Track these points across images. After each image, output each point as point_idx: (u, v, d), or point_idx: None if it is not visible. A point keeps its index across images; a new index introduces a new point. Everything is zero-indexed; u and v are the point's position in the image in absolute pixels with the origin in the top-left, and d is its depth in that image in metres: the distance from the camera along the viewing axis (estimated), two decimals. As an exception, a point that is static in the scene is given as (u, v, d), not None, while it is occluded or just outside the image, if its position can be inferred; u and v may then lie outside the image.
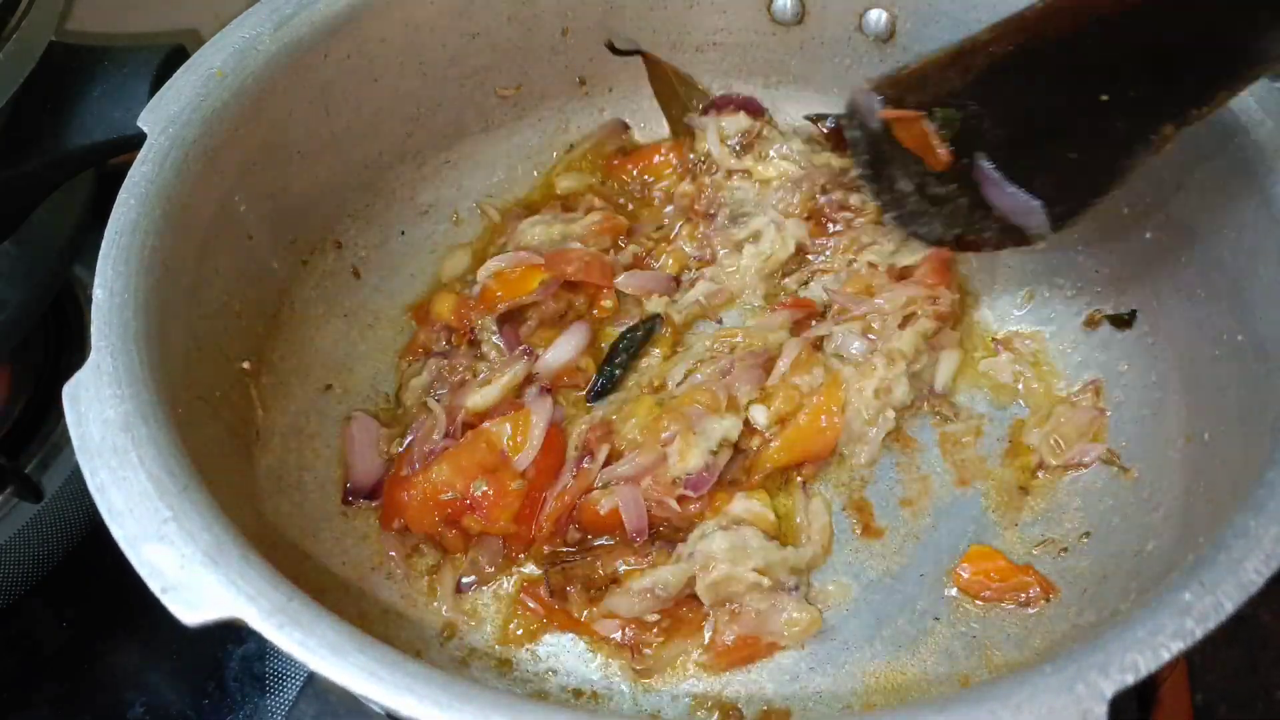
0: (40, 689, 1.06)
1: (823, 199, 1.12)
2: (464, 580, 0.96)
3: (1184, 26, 0.76)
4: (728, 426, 0.96)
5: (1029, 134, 0.88)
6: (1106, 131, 0.82)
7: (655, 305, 1.10)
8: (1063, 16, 0.82)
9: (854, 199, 1.11)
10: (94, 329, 0.73)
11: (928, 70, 0.91)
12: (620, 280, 1.09)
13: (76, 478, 1.09)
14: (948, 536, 0.97)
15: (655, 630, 0.92)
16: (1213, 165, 0.90)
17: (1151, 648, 0.60)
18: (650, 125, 1.23)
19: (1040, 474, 1.00)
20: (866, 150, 0.97)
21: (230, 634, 0.58)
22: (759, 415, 0.98)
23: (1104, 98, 0.80)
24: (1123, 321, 1.02)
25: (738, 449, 0.97)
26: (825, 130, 1.14)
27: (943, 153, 0.90)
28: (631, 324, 1.09)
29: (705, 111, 1.19)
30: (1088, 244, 1.06)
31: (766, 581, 0.91)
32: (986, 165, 0.89)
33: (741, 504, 0.96)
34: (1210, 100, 0.77)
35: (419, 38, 1.05)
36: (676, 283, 1.13)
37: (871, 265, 1.08)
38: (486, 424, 0.96)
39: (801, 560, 0.95)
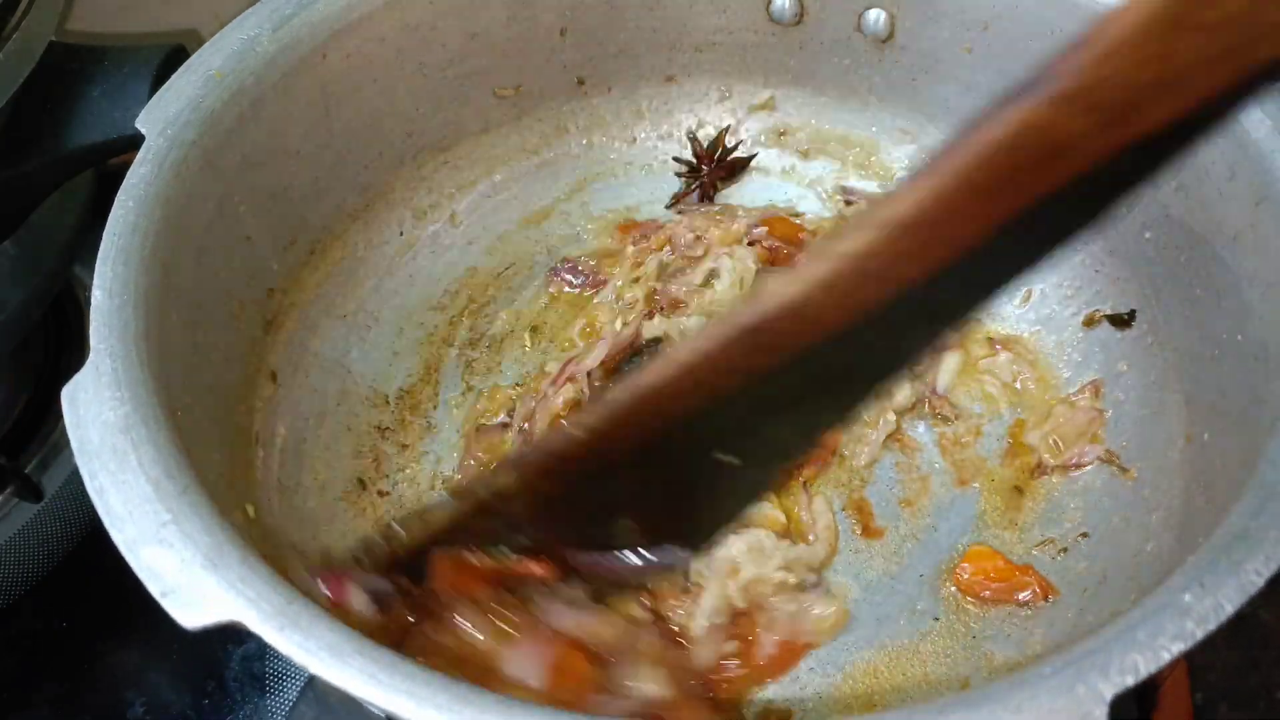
0: (40, 689, 1.06)
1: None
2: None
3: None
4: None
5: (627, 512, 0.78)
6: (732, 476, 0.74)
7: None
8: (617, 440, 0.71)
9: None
10: (92, 331, 0.73)
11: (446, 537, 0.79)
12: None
13: (76, 478, 1.08)
14: (947, 536, 0.97)
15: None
16: (1212, 166, 0.90)
17: (1152, 649, 0.60)
18: (650, 125, 1.23)
19: (1039, 474, 1.00)
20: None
21: (230, 634, 0.58)
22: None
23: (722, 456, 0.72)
24: (1122, 321, 1.02)
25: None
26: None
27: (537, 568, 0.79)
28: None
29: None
30: (1086, 244, 1.06)
31: (792, 578, 0.90)
32: (584, 558, 0.80)
33: (750, 506, 0.96)
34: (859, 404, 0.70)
35: (418, 38, 1.05)
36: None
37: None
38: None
39: (816, 558, 0.94)
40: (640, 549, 0.79)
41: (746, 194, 1.22)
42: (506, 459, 0.81)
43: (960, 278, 0.57)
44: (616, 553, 0.79)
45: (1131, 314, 1.02)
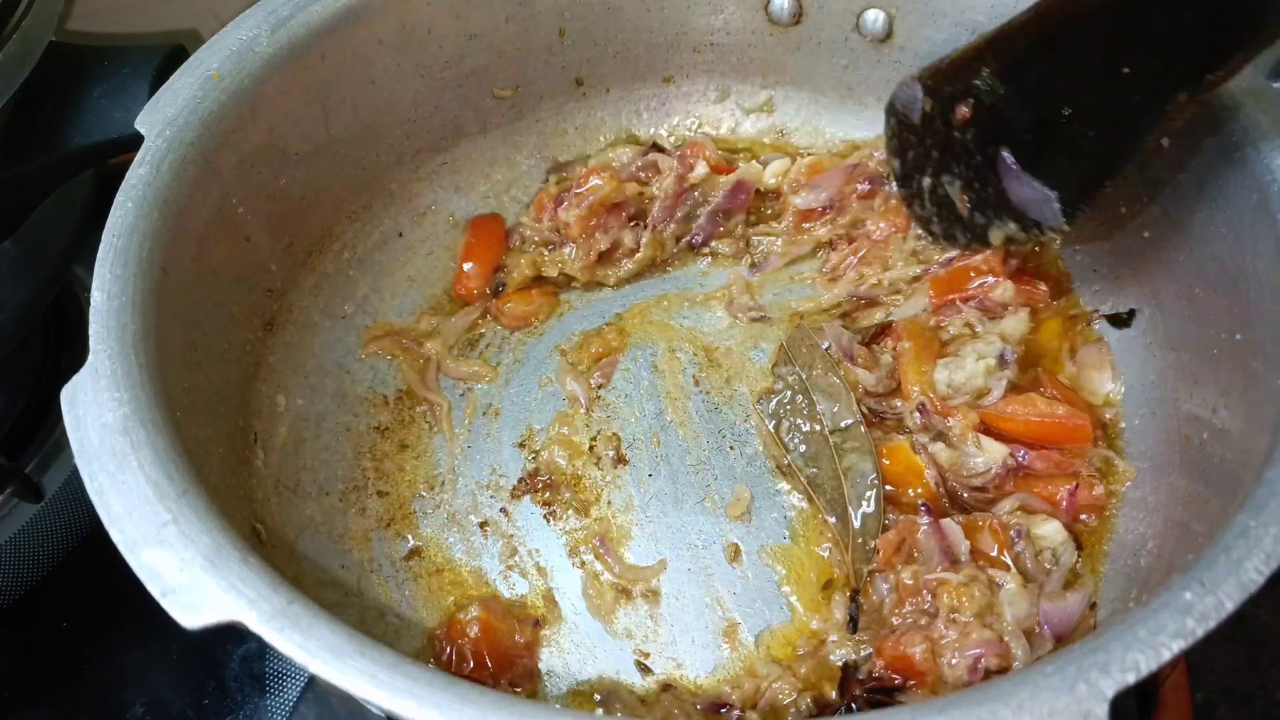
0: (40, 689, 1.06)
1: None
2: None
3: None
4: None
5: (1049, 119, 0.90)
6: (1124, 106, 0.85)
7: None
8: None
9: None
10: (92, 332, 0.73)
11: (966, 57, 0.95)
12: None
13: (76, 478, 1.09)
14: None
15: None
16: (1210, 164, 0.90)
17: (1153, 647, 0.60)
18: (648, 125, 1.24)
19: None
20: (899, 147, 1.04)
21: (230, 634, 0.58)
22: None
23: (1125, 70, 0.83)
24: (1121, 320, 1.02)
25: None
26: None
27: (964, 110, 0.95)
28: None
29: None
30: (1085, 243, 1.06)
31: None
32: (1008, 158, 0.93)
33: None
34: (1225, 66, 0.78)
35: (416, 39, 1.05)
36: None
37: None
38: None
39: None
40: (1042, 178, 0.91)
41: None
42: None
43: None
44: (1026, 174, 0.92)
45: (1130, 314, 1.02)
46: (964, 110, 0.95)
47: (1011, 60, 0.92)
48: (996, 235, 0.97)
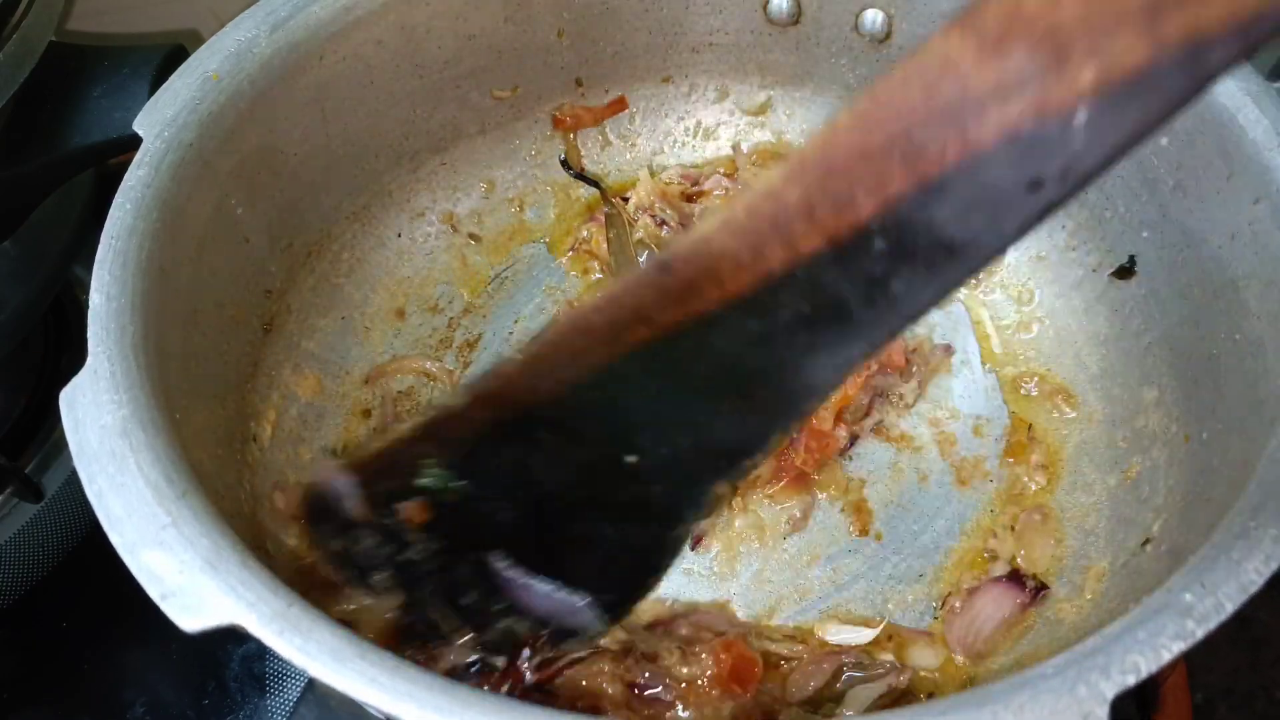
0: (40, 689, 1.06)
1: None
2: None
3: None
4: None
5: (553, 514, 0.71)
6: (644, 495, 0.68)
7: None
8: (542, 381, 0.65)
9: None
10: (91, 334, 0.73)
11: (396, 451, 0.74)
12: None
13: (76, 478, 1.07)
14: (946, 537, 0.98)
15: None
16: (1209, 164, 0.90)
17: (1153, 648, 0.60)
18: (646, 128, 1.24)
19: (1038, 474, 1.00)
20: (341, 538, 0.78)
21: (231, 635, 0.58)
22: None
23: (628, 460, 0.66)
24: (1125, 271, 1.02)
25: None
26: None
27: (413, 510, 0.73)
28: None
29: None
30: (1084, 242, 1.06)
31: None
32: (501, 564, 0.72)
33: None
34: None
35: (415, 40, 1.05)
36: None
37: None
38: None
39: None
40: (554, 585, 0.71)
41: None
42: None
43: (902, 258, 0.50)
44: (531, 576, 0.72)
45: (1131, 261, 1.02)
46: (413, 509, 0.73)
47: (466, 452, 0.71)
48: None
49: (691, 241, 0.55)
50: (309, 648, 0.60)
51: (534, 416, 0.67)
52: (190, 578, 0.63)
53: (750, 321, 0.55)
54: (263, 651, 1.06)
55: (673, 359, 0.59)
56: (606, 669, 0.82)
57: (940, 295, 0.50)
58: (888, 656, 0.90)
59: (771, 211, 0.51)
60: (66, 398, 0.70)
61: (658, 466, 0.65)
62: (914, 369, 1.05)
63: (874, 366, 1.02)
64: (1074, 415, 1.02)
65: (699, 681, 0.83)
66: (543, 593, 0.71)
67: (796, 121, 1.22)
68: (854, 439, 1.02)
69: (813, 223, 0.49)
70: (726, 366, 0.58)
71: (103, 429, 0.69)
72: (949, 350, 1.08)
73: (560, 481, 0.70)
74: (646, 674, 0.83)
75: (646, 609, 0.91)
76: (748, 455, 0.64)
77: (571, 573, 0.71)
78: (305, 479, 0.85)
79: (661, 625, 0.89)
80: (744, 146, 1.22)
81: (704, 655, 0.84)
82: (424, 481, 0.72)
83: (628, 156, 1.24)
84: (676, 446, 0.64)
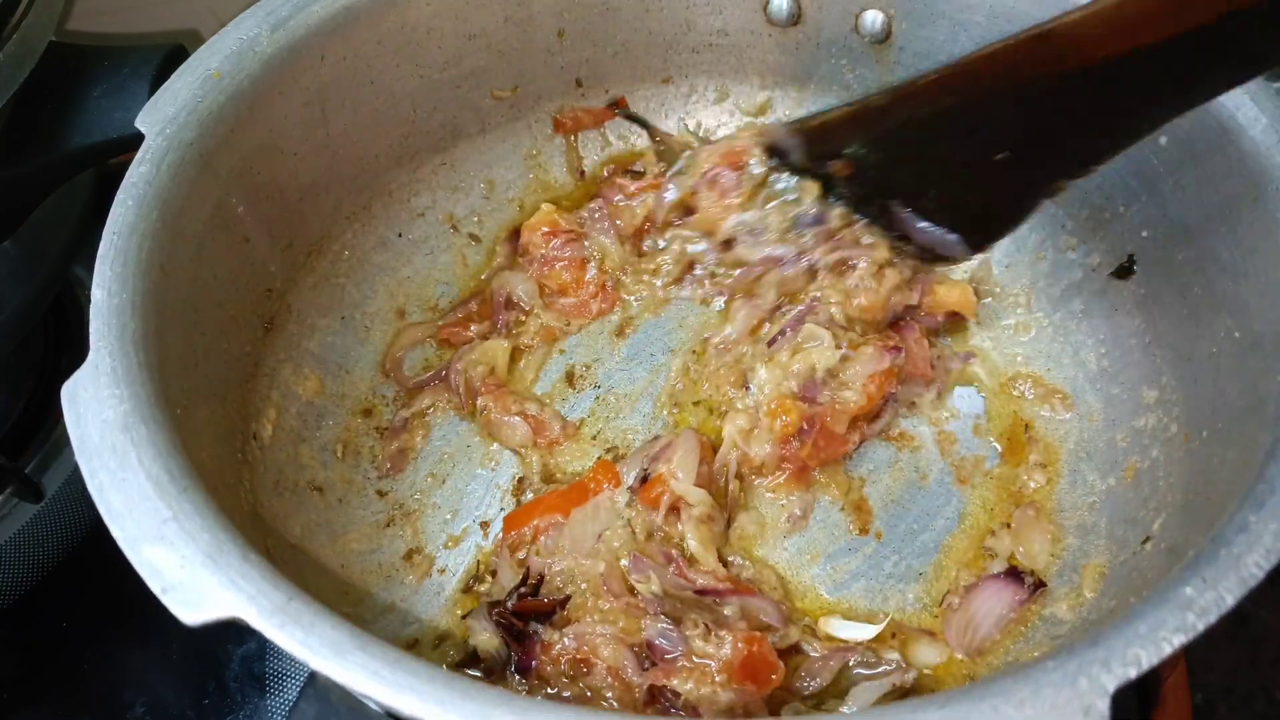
0: (40, 689, 1.06)
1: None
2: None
3: (1067, 107, 0.82)
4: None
5: (935, 180, 0.95)
6: (1006, 182, 0.90)
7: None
8: (951, 90, 0.89)
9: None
10: (92, 329, 0.73)
11: (830, 125, 0.99)
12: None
13: (76, 478, 1.09)
14: (945, 536, 0.98)
15: None
16: (1209, 163, 0.90)
17: (1153, 641, 0.60)
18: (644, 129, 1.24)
19: (1037, 473, 1.00)
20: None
21: (230, 633, 0.58)
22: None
23: (998, 157, 0.88)
24: (1124, 270, 1.02)
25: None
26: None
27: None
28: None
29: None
30: (1084, 241, 1.06)
31: None
32: (898, 209, 0.97)
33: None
34: (1097, 164, 0.85)
35: (415, 40, 1.05)
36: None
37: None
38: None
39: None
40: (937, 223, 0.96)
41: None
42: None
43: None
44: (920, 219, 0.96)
45: (1130, 259, 1.02)
46: (840, 166, 0.98)
47: (878, 136, 0.95)
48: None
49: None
50: (310, 641, 0.60)
51: (936, 116, 0.90)
52: (191, 572, 0.63)
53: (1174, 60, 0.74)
54: (263, 651, 1.06)
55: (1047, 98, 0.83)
56: (610, 632, 0.86)
57: None
58: (893, 654, 0.90)
59: None
60: (68, 392, 0.70)
61: (1019, 163, 0.87)
62: (937, 378, 1.05)
63: (897, 378, 1.02)
64: (1072, 415, 1.03)
65: (710, 663, 0.84)
66: (927, 228, 0.97)
67: (796, 121, 1.22)
68: (861, 442, 1.02)
69: None
70: (1129, 96, 0.80)
71: (104, 423, 0.69)
72: (969, 357, 1.08)
73: (950, 161, 0.92)
74: (664, 634, 0.86)
75: (712, 568, 0.92)
76: (1084, 170, 0.86)
77: (950, 219, 0.95)
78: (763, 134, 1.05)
79: (713, 594, 0.89)
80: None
81: (726, 640, 0.85)
82: (850, 150, 0.97)
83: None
84: (1032, 155, 0.87)
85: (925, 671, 0.89)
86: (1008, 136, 0.87)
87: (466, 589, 0.96)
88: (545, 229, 1.11)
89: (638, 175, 1.15)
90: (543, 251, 1.11)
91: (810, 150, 1.00)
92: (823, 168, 1.00)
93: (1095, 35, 0.76)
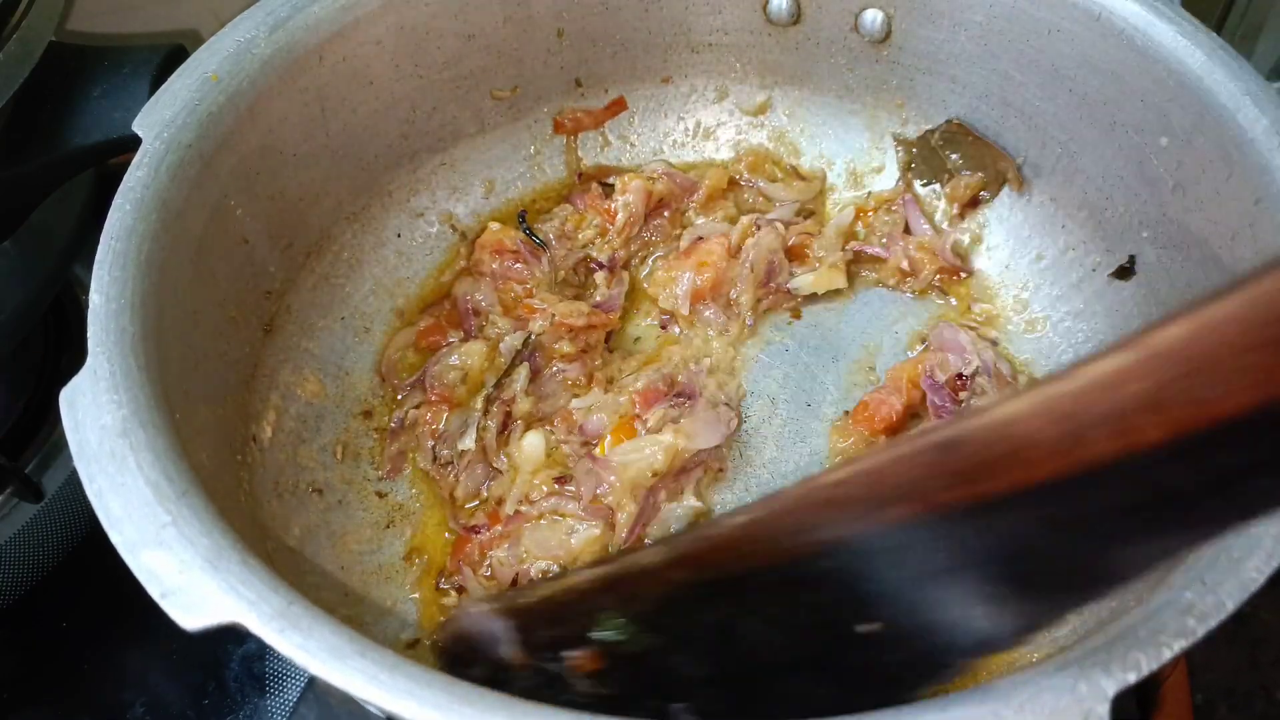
0: (40, 689, 1.06)
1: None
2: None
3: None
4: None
5: (754, 668, 0.67)
6: (879, 664, 0.64)
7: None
8: (730, 555, 0.64)
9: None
10: (90, 334, 0.73)
11: (568, 600, 0.72)
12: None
13: (76, 478, 1.07)
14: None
15: None
16: (1209, 164, 0.90)
17: (1154, 646, 0.60)
18: (646, 128, 1.24)
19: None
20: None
21: (231, 634, 0.58)
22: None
23: (863, 628, 0.61)
24: (1125, 271, 1.02)
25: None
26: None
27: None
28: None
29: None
30: (1084, 242, 1.06)
31: None
32: (684, 715, 0.67)
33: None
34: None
35: (414, 40, 1.05)
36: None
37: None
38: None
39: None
40: None
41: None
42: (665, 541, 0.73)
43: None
44: None
45: (1132, 260, 1.02)
46: (586, 660, 0.69)
47: (655, 608, 0.68)
48: None
49: (987, 423, 0.52)
50: (309, 646, 0.60)
51: (746, 580, 0.64)
52: (190, 577, 0.63)
53: (1052, 507, 0.51)
54: (263, 651, 1.06)
55: (939, 536, 0.55)
56: None
57: None
58: None
59: (1105, 401, 0.47)
60: (66, 397, 0.70)
61: (897, 639, 0.61)
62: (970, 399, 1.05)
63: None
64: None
65: None
66: None
67: (796, 121, 1.22)
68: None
69: (1160, 415, 0.45)
70: (1008, 548, 0.54)
71: (103, 429, 0.69)
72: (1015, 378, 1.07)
73: (770, 643, 0.65)
74: None
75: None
76: (1010, 637, 0.60)
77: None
78: (445, 623, 0.87)
79: None
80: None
81: None
82: (603, 634, 0.68)
83: (627, 158, 1.24)
84: (925, 622, 0.59)
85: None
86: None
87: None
88: (493, 248, 1.11)
89: (609, 190, 1.16)
90: (494, 267, 1.11)
91: (530, 637, 0.72)
92: (550, 661, 0.70)
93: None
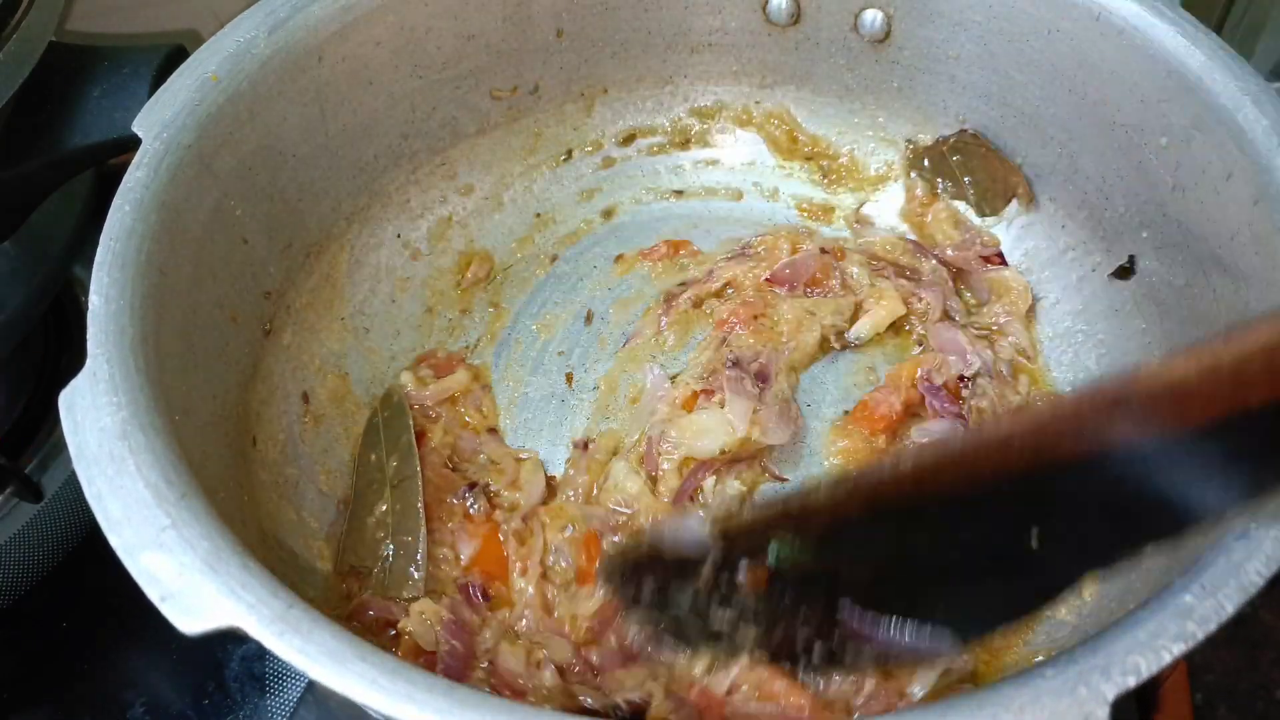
0: (40, 689, 1.06)
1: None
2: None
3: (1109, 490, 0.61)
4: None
5: (902, 577, 0.69)
6: (1001, 584, 0.66)
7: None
8: (911, 488, 0.65)
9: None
10: (90, 336, 0.73)
11: (758, 525, 0.71)
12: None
13: (76, 478, 1.08)
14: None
15: None
16: (1209, 164, 0.90)
17: (1153, 649, 0.60)
18: (645, 128, 1.24)
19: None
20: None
21: (231, 635, 0.58)
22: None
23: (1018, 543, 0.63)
24: (1124, 271, 1.02)
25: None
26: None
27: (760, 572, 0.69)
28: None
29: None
30: (1084, 242, 1.06)
31: None
32: (850, 608, 0.67)
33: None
34: (1136, 553, 0.62)
35: (414, 40, 1.05)
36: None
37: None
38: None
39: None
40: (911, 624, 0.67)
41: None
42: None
43: None
44: (885, 621, 0.67)
45: (1131, 260, 1.02)
46: (757, 576, 0.69)
47: (820, 534, 0.69)
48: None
49: (1150, 372, 0.57)
50: (309, 649, 0.60)
51: (911, 513, 0.65)
52: (190, 580, 0.63)
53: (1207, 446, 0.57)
54: (263, 652, 1.04)
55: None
56: None
57: None
58: None
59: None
60: (66, 400, 0.70)
61: (1020, 564, 0.63)
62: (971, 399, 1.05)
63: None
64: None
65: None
66: (893, 626, 0.67)
67: (796, 121, 1.22)
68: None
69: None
70: (1142, 490, 0.59)
71: (102, 431, 0.68)
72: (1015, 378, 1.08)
73: (927, 560, 0.67)
74: None
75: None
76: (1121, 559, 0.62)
77: (921, 610, 0.67)
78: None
79: None
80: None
81: None
82: (781, 554, 0.68)
83: (630, 168, 1.25)
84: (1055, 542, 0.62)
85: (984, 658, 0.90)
86: (995, 538, 0.64)
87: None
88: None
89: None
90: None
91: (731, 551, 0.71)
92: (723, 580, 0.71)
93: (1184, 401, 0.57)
